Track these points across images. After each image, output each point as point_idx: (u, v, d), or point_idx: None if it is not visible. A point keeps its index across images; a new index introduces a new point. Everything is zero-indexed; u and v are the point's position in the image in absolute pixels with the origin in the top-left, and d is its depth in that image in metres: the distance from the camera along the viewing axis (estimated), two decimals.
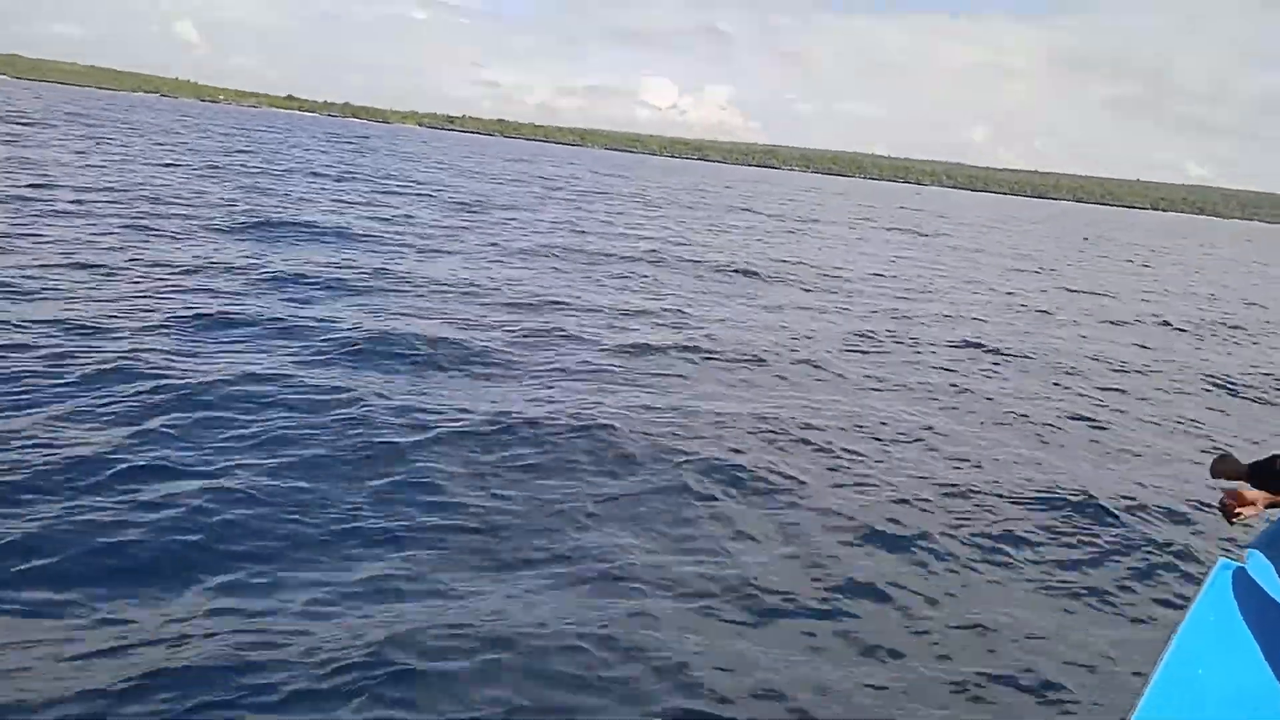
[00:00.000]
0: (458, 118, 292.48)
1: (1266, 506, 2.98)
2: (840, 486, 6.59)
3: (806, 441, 7.48)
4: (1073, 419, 9.22)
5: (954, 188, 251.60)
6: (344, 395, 7.27)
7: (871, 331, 12.84)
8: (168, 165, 27.01)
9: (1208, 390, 11.51)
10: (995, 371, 11.20)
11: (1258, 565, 2.86)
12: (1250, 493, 2.96)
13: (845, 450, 7.38)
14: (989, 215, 74.23)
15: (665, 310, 12.77)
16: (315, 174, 30.57)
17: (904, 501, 6.37)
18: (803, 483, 6.53)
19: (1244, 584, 2.78)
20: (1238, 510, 2.98)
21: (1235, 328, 17.72)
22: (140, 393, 6.83)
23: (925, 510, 6.28)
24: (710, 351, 10.28)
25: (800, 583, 5.03)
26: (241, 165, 30.32)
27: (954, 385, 10.06)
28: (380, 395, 7.40)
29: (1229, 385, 11.80)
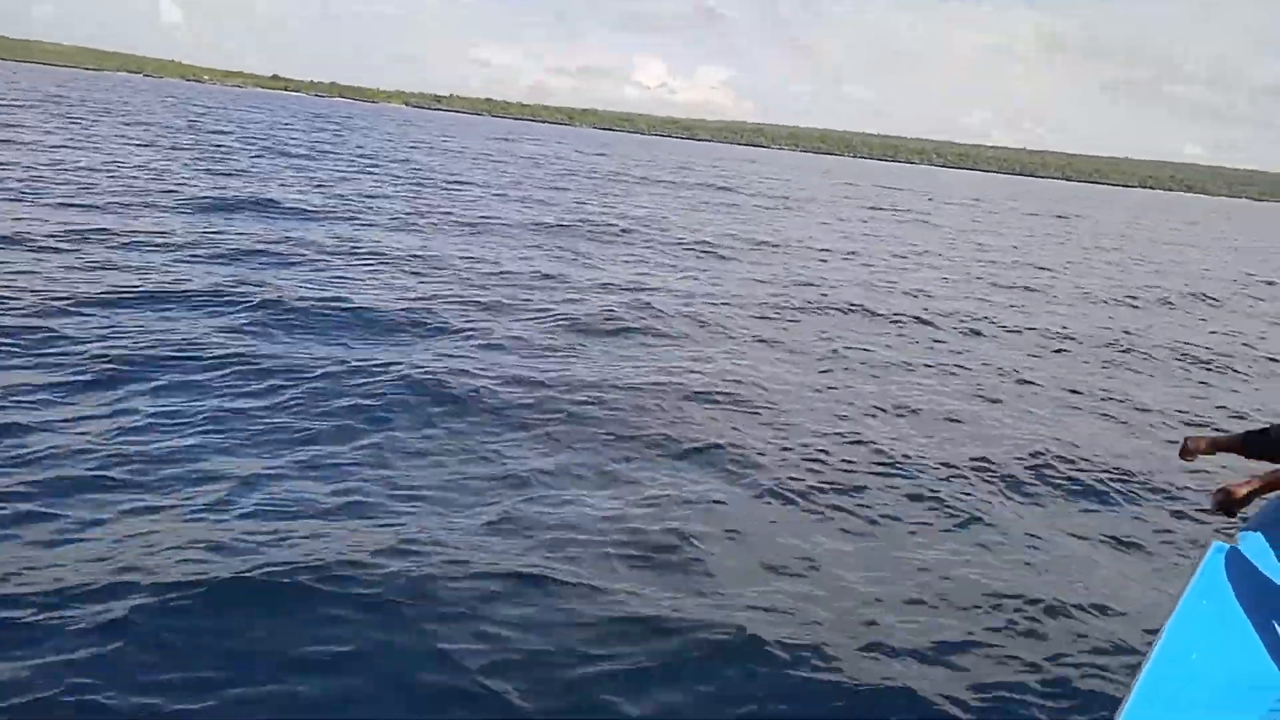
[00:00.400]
0: (445, 97, 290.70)
1: (1258, 493, 3.16)
2: (764, 450, 6.71)
3: (737, 401, 7.80)
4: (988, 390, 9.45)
5: (944, 166, 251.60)
6: (278, 361, 7.46)
7: (787, 299, 13.03)
8: (137, 145, 26.97)
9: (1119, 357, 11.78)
10: (940, 341, 11.45)
11: (1250, 546, 2.94)
12: (1239, 487, 3.19)
13: (766, 408, 7.64)
14: (971, 192, 74.37)
15: (616, 281, 12.95)
16: (285, 154, 30.55)
17: (848, 466, 6.52)
18: (734, 444, 6.71)
19: (1237, 565, 2.85)
20: (1232, 504, 3.21)
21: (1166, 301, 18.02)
22: (71, 362, 6.98)
23: (881, 476, 6.42)
24: (648, 322, 10.47)
25: (731, 539, 5.18)
26: (213, 145, 30.26)
27: (892, 352, 10.29)
28: (315, 359, 7.61)
29: (1142, 351, 12.13)
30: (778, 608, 4.44)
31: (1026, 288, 17.41)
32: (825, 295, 13.67)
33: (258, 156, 27.95)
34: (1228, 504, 3.23)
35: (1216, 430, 7.30)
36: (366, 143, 44.32)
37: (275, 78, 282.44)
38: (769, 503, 5.77)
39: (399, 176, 27.28)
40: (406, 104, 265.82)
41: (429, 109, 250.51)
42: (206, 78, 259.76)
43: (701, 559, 4.86)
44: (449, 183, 26.86)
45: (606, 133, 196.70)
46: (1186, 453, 3.29)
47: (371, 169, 28.77)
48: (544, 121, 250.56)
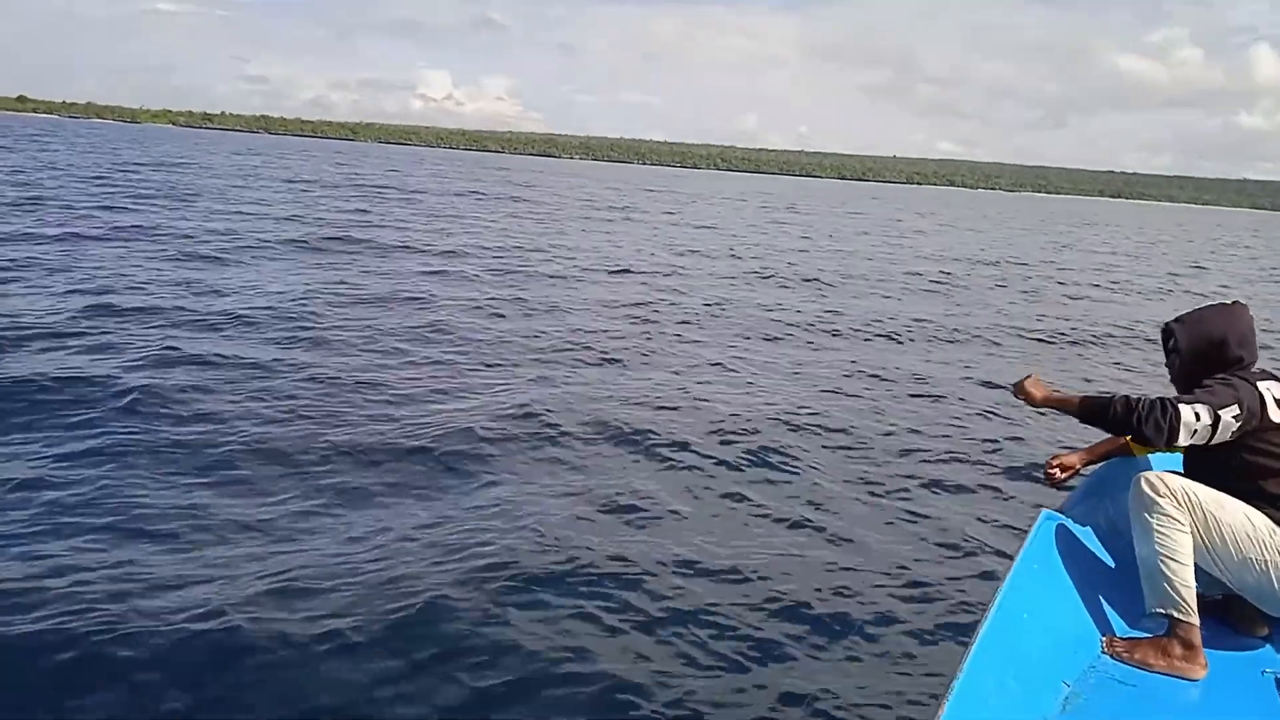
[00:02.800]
0: (216, 115, 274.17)
1: (1084, 465, 3.27)
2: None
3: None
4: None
5: (728, 170, 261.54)
6: None
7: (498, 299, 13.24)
8: None
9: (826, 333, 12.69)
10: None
11: (1076, 514, 3.15)
12: (1069, 457, 3.27)
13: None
14: (740, 190, 77.68)
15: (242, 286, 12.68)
16: None
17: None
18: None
19: (1065, 533, 3.04)
20: (1062, 476, 3.28)
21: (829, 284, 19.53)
22: None
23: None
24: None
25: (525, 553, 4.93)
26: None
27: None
28: None
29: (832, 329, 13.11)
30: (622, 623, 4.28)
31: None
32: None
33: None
34: (1056, 477, 3.28)
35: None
36: (75, 159, 41.08)
37: (22, 99, 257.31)
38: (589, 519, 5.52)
39: (105, 191, 25.51)
40: (174, 123, 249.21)
41: (200, 127, 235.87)
42: None
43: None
44: (169, 195, 25.39)
45: (391, 148, 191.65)
46: (1022, 391, 3.07)
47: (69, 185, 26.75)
48: (325, 137, 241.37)
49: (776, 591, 4.62)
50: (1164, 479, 2.62)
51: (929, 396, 9.14)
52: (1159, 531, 2.57)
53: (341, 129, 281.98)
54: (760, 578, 4.76)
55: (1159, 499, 2.59)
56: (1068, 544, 3.03)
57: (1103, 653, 2.64)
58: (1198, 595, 2.59)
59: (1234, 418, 2.59)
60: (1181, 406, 2.60)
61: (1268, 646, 2.68)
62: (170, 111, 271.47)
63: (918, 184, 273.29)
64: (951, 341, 12.17)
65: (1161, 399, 2.64)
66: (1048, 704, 2.43)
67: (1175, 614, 2.56)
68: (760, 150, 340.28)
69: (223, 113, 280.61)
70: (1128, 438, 3.12)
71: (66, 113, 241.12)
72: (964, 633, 3.97)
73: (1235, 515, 2.58)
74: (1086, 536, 3.08)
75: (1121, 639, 2.68)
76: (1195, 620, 2.55)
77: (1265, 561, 2.53)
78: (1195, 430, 2.58)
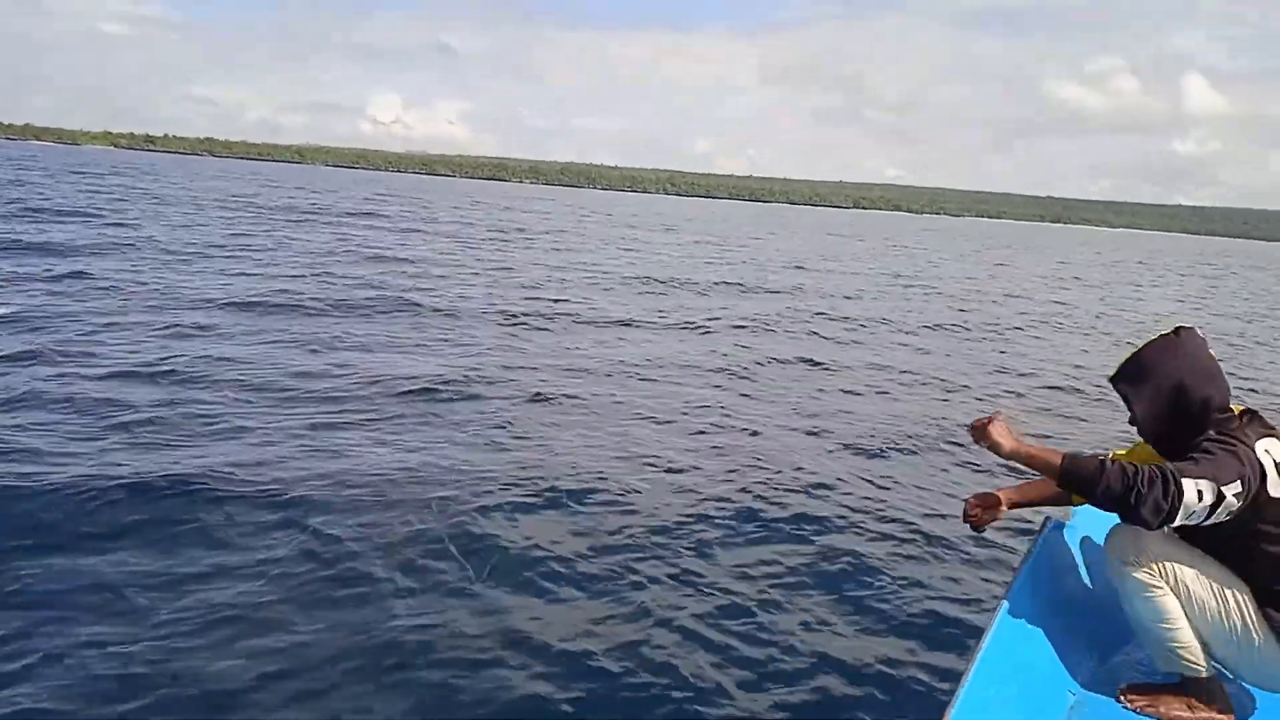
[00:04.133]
0: (159, 137, 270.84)
1: (1012, 507, 2.88)
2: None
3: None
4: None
5: (677, 194, 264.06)
6: None
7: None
8: None
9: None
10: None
11: (1084, 521, 3.01)
12: (992, 495, 2.86)
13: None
14: (675, 216, 78.36)
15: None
16: None
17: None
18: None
19: (1071, 540, 2.98)
20: (986, 519, 2.85)
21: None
22: None
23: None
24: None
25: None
26: None
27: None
28: None
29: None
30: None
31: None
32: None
33: None
34: (979, 518, 2.86)
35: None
36: None
37: None
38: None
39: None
40: (115, 145, 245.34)
41: (141, 150, 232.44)
42: None
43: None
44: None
45: (342, 170, 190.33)
46: (985, 436, 2.53)
47: None
48: (274, 160, 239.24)
49: (767, 581, 4.54)
50: (1140, 545, 2.43)
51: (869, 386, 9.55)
52: (1143, 598, 2.44)
53: (288, 152, 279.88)
54: (749, 574, 4.64)
55: (1135, 569, 2.44)
56: (1073, 552, 2.98)
57: (1122, 702, 2.52)
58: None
59: (1235, 496, 2.30)
60: (1185, 484, 2.27)
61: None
62: (111, 133, 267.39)
63: (864, 209, 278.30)
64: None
65: (1163, 471, 2.30)
66: (1053, 714, 2.42)
67: (1185, 672, 2.46)
68: (709, 175, 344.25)
69: (166, 135, 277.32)
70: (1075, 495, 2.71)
71: (3, 134, 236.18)
72: (967, 640, 3.82)
73: (1208, 590, 2.41)
74: (1092, 546, 2.95)
75: (1139, 690, 2.55)
76: (1206, 671, 2.45)
77: (1233, 640, 2.41)
78: (1194, 513, 2.29)
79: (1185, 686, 2.48)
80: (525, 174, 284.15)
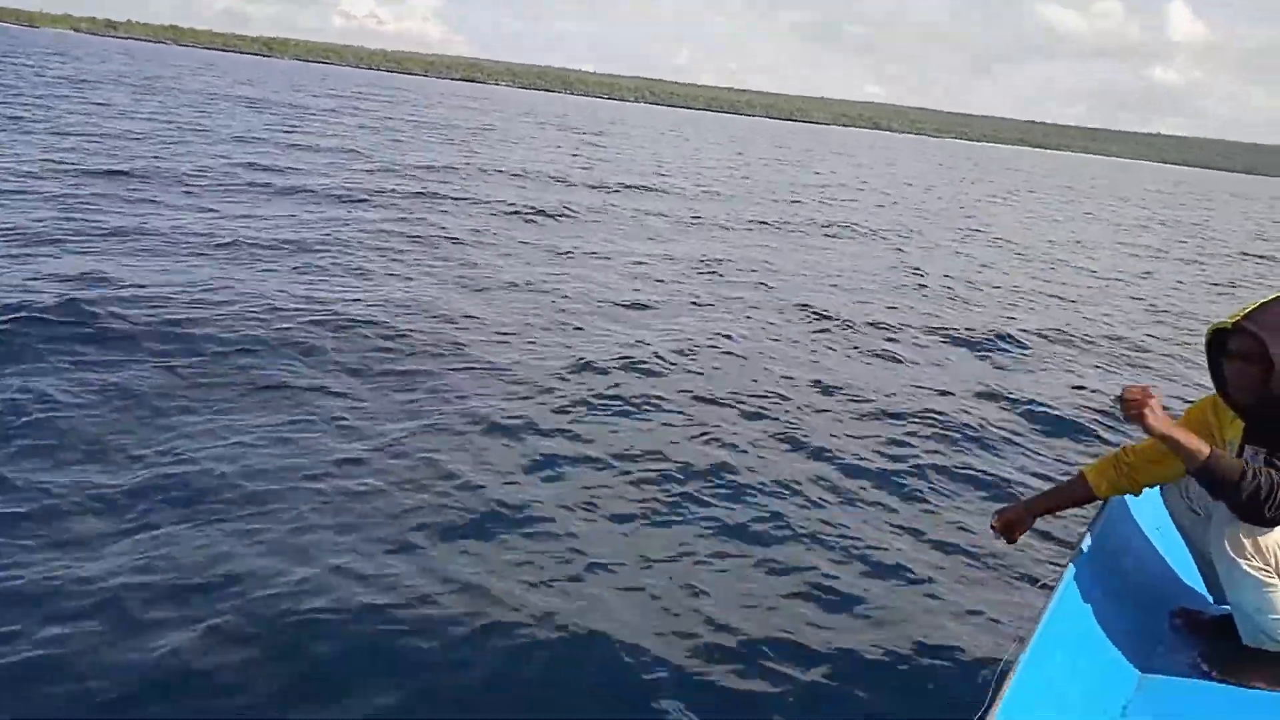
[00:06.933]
0: (121, 23, 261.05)
1: (1034, 520, 2.88)
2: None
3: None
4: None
5: (655, 104, 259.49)
6: None
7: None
8: None
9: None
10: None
11: (1151, 495, 2.89)
12: (1013, 512, 2.86)
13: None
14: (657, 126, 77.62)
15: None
16: None
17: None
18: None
19: (1139, 513, 2.96)
20: (1014, 538, 2.87)
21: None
22: None
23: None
24: None
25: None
26: None
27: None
28: None
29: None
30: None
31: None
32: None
33: None
34: (1012, 529, 2.86)
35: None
36: None
37: None
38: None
39: None
40: (75, 29, 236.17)
41: (101, 35, 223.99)
42: None
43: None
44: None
45: (311, 65, 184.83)
46: (1139, 414, 2.45)
47: None
48: (238, 51, 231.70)
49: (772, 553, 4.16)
50: (1256, 540, 2.34)
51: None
52: (1256, 591, 2.37)
53: (255, 43, 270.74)
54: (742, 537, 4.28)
55: (1249, 562, 2.35)
56: (1139, 525, 2.94)
57: (1200, 669, 2.51)
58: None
59: None
60: None
61: None
62: (72, 17, 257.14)
63: (844, 126, 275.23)
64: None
65: None
66: (1121, 683, 2.40)
67: (1271, 648, 2.45)
68: (690, 86, 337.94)
69: (128, 20, 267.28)
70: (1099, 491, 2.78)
71: None
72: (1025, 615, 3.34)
73: None
74: (1159, 517, 2.89)
75: (1219, 658, 2.53)
76: None
77: None
78: None
79: (1269, 659, 2.45)
80: (501, 76, 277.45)
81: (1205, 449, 2.35)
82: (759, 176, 29.66)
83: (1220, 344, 2.49)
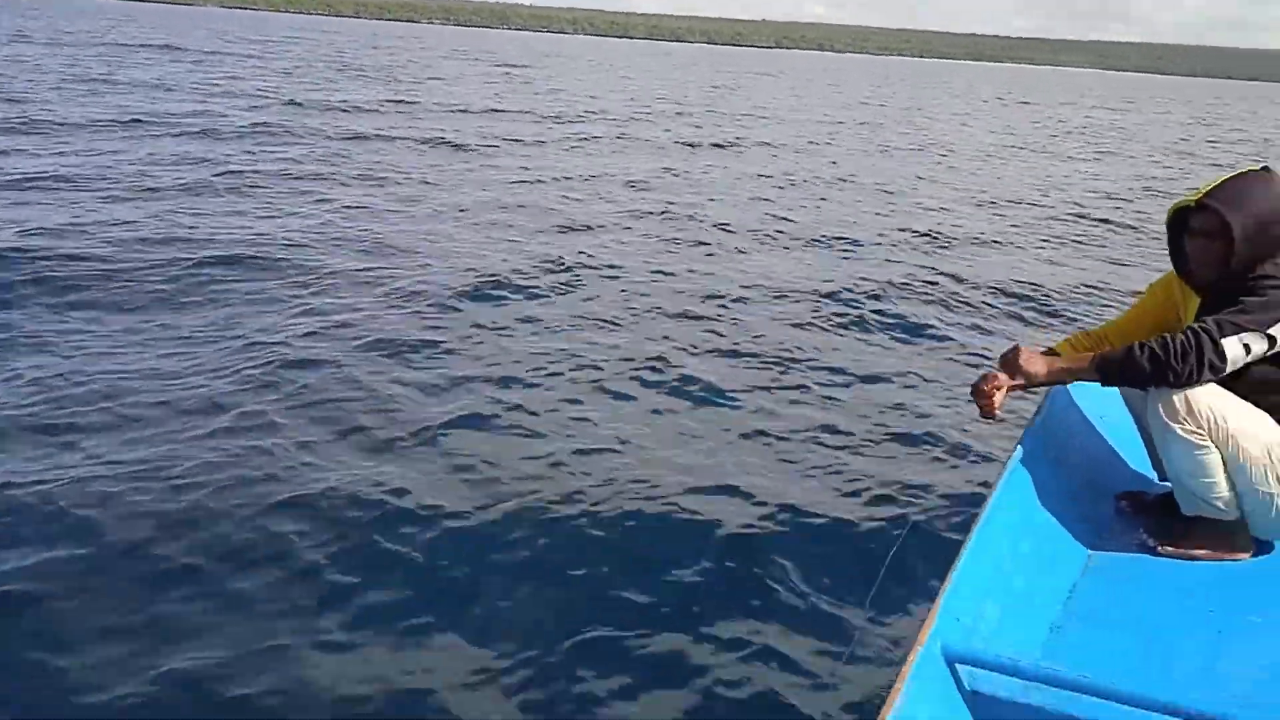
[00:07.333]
0: None
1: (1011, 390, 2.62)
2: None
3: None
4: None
5: (594, 34, 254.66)
6: None
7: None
8: None
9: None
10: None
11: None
12: (1001, 377, 2.57)
13: None
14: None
15: None
16: None
17: None
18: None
19: (1081, 397, 2.98)
20: (996, 402, 2.56)
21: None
22: None
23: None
24: None
25: None
26: None
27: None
28: None
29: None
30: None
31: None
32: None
33: None
34: (990, 404, 2.58)
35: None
36: None
37: None
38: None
39: None
40: None
41: None
42: None
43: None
44: None
45: (244, 13, 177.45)
46: (1018, 369, 2.50)
47: None
48: (161, 2, 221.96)
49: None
50: (1190, 401, 2.34)
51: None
52: (1188, 455, 2.38)
53: None
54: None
55: (1182, 427, 2.36)
56: (1083, 409, 2.98)
57: (1144, 543, 2.54)
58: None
59: None
60: (1227, 343, 2.29)
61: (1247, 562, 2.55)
62: None
63: (788, 48, 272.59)
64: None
65: (1196, 335, 2.31)
66: (1069, 566, 2.43)
67: (1210, 515, 2.47)
68: (629, 15, 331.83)
69: None
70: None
71: None
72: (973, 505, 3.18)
73: (1258, 445, 2.37)
74: (1104, 401, 2.91)
75: (1161, 531, 2.56)
76: (1231, 515, 2.46)
77: (1272, 494, 2.40)
78: (1242, 362, 2.33)
79: (1207, 526, 2.50)
80: (435, 13, 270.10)
81: (1088, 360, 2.45)
82: (682, 101, 29.46)
83: (1182, 222, 2.53)
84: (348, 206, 9.15)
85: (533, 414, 4.43)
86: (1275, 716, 1.79)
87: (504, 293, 6.47)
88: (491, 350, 5.33)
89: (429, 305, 6.08)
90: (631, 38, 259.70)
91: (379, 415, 4.29)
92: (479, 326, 5.74)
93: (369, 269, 6.90)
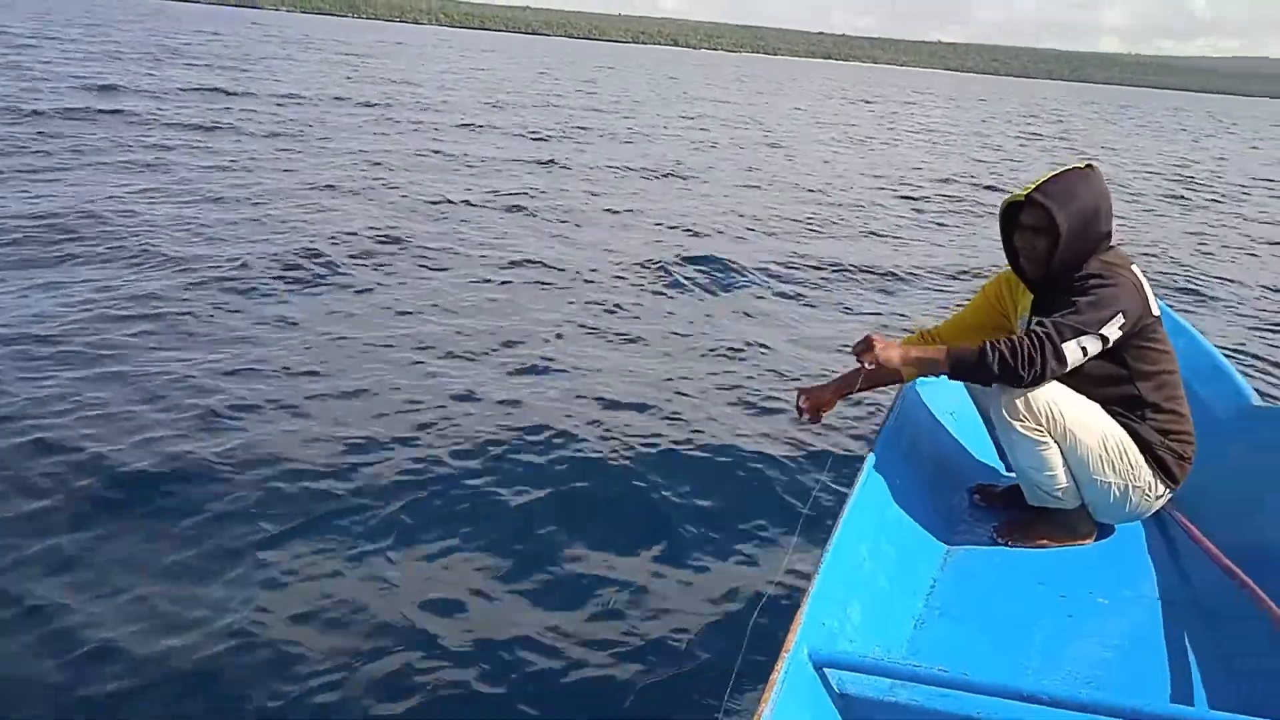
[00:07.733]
0: None
1: (839, 399, 2.69)
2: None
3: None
4: None
5: (450, 26, 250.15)
6: None
7: None
8: None
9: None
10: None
11: (940, 381, 2.93)
12: (821, 393, 2.64)
13: None
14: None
15: None
16: None
17: None
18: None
19: (930, 395, 3.07)
20: (817, 416, 2.67)
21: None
22: None
23: None
24: None
25: None
26: None
27: None
28: None
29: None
30: None
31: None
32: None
33: None
34: (818, 410, 2.68)
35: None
36: None
37: None
38: None
39: None
40: None
41: None
42: None
43: None
44: None
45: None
46: (873, 358, 2.48)
47: None
48: None
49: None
50: (1030, 399, 2.42)
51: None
52: (1029, 451, 2.48)
53: None
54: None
55: (1022, 423, 2.44)
56: (933, 407, 3.08)
57: (995, 539, 2.62)
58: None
59: (1119, 328, 2.40)
60: (1067, 348, 2.36)
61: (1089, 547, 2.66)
62: None
63: (642, 43, 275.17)
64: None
65: (1039, 339, 2.36)
66: (927, 564, 2.49)
67: (1053, 506, 2.58)
68: (484, 6, 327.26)
69: None
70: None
71: None
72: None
73: (1093, 437, 2.48)
74: (954, 396, 3.02)
75: (1010, 526, 2.65)
76: (1072, 504, 2.58)
77: (1109, 482, 2.52)
78: (1080, 363, 2.41)
79: (1052, 516, 2.61)
80: (281, 2, 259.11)
81: (942, 353, 2.47)
82: (500, 86, 29.25)
83: (1013, 217, 2.58)
84: (146, 189, 8.60)
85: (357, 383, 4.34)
86: (1121, 694, 1.81)
87: (325, 271, 6.28)
88: (306, 332, 5.11)
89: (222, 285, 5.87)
90: (488, 29, 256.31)
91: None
92: (288, 305, 5.55)
93: (161, 248, 6.55)
